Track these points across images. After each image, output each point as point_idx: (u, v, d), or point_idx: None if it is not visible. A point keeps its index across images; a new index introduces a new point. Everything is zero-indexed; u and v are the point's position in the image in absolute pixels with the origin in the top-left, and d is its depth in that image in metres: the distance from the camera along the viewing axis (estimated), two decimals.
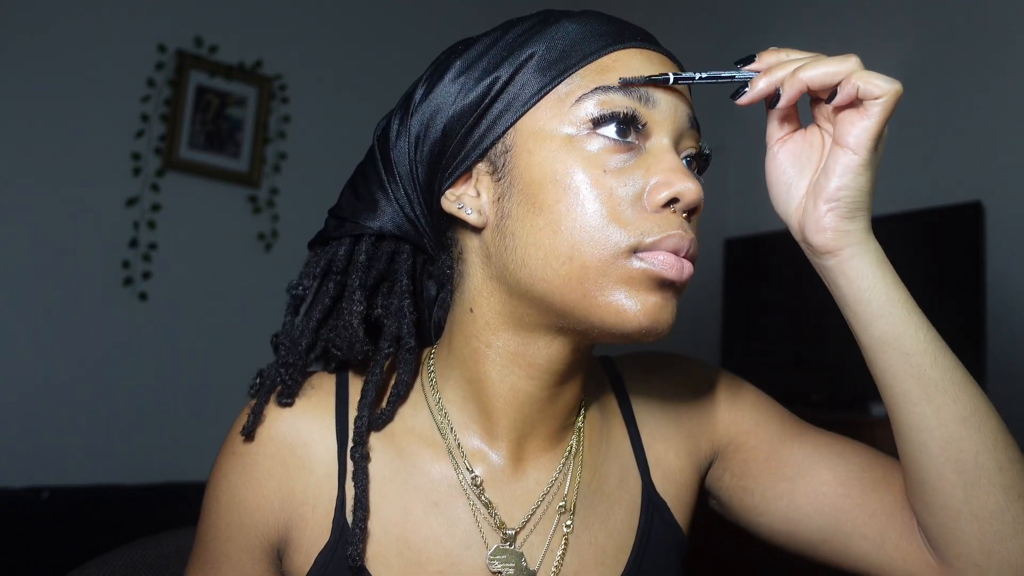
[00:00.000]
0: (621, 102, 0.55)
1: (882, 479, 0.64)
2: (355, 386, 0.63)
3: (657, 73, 0.56)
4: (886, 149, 0.56)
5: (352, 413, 0.61)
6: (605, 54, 0.56)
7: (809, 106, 0.60)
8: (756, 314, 2.37)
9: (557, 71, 0.56)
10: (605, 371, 0.72)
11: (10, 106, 2.27)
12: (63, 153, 2.34)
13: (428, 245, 0.65)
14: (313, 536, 0.59)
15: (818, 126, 0.59)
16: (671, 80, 0.56)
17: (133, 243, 2.43)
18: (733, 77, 0.57)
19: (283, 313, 0.66)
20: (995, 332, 1.93)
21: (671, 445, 0.69)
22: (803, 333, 2.22)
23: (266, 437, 0.60)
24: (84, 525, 1.90)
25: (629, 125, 0.55)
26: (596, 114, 0.54)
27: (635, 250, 0.53)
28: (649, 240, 0.53)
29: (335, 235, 0.64)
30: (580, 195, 0.53)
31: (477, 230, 0.60)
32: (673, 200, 0.54)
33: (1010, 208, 1.99)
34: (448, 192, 0.60)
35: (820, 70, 0.53)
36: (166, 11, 2.53)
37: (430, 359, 0.65)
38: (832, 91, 0.54)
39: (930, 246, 2.00)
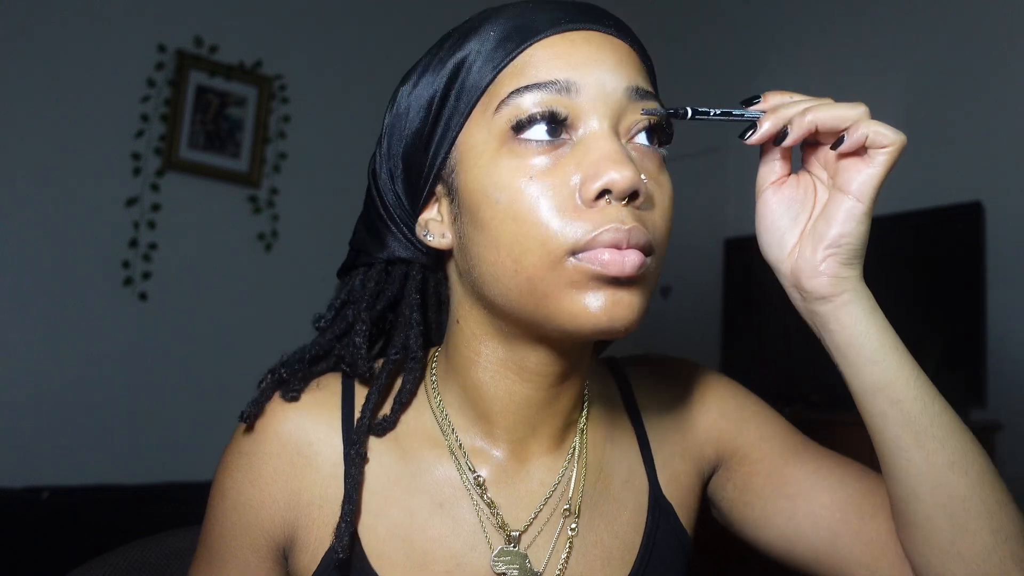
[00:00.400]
0: (538, 101, 0.52)
1: (880, 506, 0.64)
2: (361, 389, 0.63)
3: (582, 55, 0.54)
4: None
5: (357, 415, 0.62)
6: (522, 51, 0.54)
7: (800, 152, 0.60)
8: (756, 314, 2.37)
9: (481, 79, 0.55)
10: (611, 372, 0.72)
11: (10, 106, 2.27)
12: (63, 153, 2.34)
13: (436, 264, 0.65)
14: (319, 536, 0.59)
15: (809, 172, 0.59)
16: (689, 115, 0.55)
17: (133, 243, 2.43)
18: (743, 116, 0.57)
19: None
20: (995, 332, 1.93)
21: (677, 449, 0.69)
22: (803, 333, 2.20)
23: (272, 436, 0.60)
24: (84, 525, 1.90)
25: (551, 123, 0.52)
26: (514, 120, 0.52)
27: (573, 251, 0.51)
28: (585, 240, 0.50)
29: (354, 264, 0.66)
30: (511, 208, 0.52)
31: (449, 251, 0.60)
32: (605, 191, 0.51)
33: (1010, 208, 1.99)
34: (420, 218, 0.60)
35: (830, 113, 0.53)
36: (166, 11, 2.53)
37: (433, 362, 0.66)
38: (838, 136, 0.54)
39: (930, 246, 1.99)
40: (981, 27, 2.13)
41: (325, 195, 2.73)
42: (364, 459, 0.60)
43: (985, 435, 1.95)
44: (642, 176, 0.52)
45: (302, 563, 0.60)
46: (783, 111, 0.55)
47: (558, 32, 0.54)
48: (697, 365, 0.74)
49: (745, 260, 2.45)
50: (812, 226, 0.57)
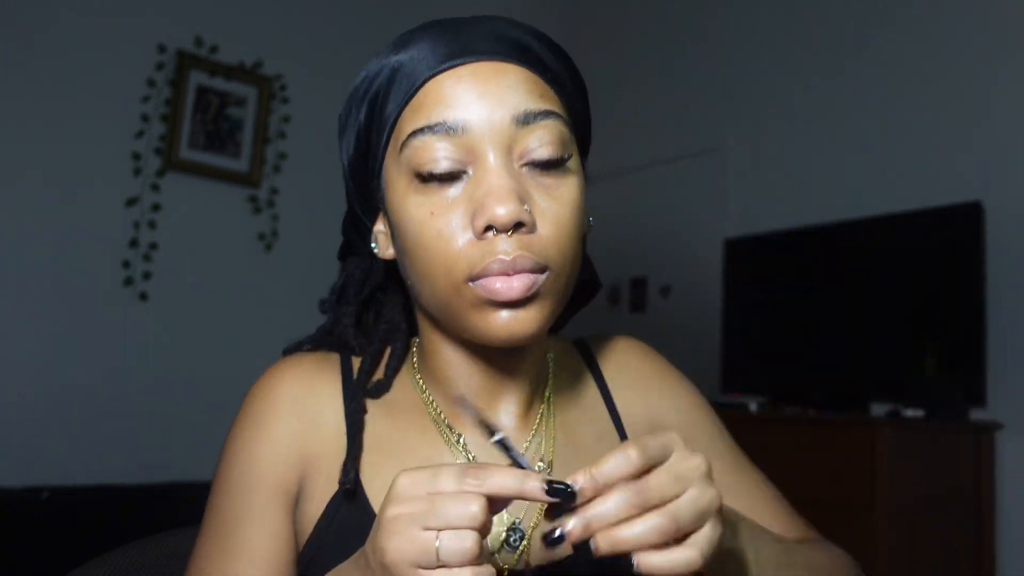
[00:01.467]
0: (431, 143, 0.57)
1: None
2: (356, 361, 0.70)
3: (468, 92, 0.57)
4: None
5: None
6: (416, 92, 0.59)
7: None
8: (756, 314, 2.37)
9: (388, 116, 0.60)
10: (575, 347, 0.77)
11: (10, 106, 2.27)
12: (63, 153, 2.34)
13: None
14: (325, 486, 0.63)
15: None
16: (494, 438, 0.49)
17: (133, 243, 2.43)
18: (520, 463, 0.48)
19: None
20: (995, 332, 1.93)
21: (643, 420, 0.73)
22: (803, 333, 2.22)
23: (281, 397, 0.65)
24: (84, 525, 1.90)
25: (446, 160, 0.57)
26: (414, 161, 0.58)
27: (471, 278, 0.56)
28: (479, 268, 0.56)
29: (350, 249, 0.73)
30: (420, 240, 0.58)
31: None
32: (490, 226, 0.56)
33: (1010, 208, 1.99)
34: (373, 229, 0.67)
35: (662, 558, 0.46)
36: (166, 11, 2.53)
37: (415, 344, 0.72)
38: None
39: (930, 246, 1.99)
40: (981, 27, 2.13)
41: (325, 195, 2.72)
42: (364, 410, 0.65)
43: (985, 435, 1.95)
44: (525, 206, 0.56)
45: (308, 513, 0.63)
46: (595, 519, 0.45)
47: (444, 70, 0.58)
48: (659, 356, 0.78)
49: (745, 260, 2.45)
50: None
